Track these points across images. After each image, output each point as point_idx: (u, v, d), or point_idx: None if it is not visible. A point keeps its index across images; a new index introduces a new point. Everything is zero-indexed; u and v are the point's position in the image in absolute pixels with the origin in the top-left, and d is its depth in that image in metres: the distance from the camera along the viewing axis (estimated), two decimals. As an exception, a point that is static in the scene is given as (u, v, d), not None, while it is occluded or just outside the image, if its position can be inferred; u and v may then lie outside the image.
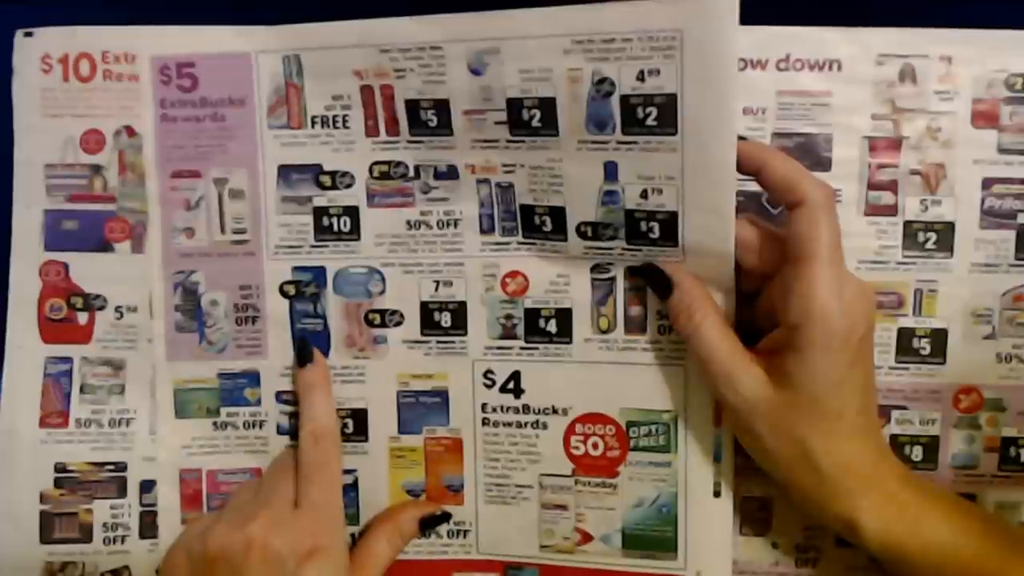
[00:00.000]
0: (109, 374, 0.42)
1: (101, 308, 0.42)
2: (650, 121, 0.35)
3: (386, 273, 0.41)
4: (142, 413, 0.42)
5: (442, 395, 0.42)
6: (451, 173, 0.40)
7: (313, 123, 0.40)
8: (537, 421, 0.41)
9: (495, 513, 0.42)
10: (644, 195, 0.37)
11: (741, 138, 0.36)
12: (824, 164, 0.39)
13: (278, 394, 0.42)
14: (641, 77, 0.35)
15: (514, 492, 0.42)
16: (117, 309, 0.42)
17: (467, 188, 0.40)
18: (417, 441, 0.42)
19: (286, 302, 0.42)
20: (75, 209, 0.42)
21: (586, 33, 0.35)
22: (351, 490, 0.42)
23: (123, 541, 0.43)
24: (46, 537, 0.42)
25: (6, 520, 0.42)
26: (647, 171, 0.36)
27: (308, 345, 0.41)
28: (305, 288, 0.42)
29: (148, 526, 0.42)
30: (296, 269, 0.42)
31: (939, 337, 0.40)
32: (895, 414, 0.40)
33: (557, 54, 0.36)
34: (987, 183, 0.39)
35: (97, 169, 0.42)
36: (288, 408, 0.42)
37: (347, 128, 0.40)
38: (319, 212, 0.41)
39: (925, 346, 0.40)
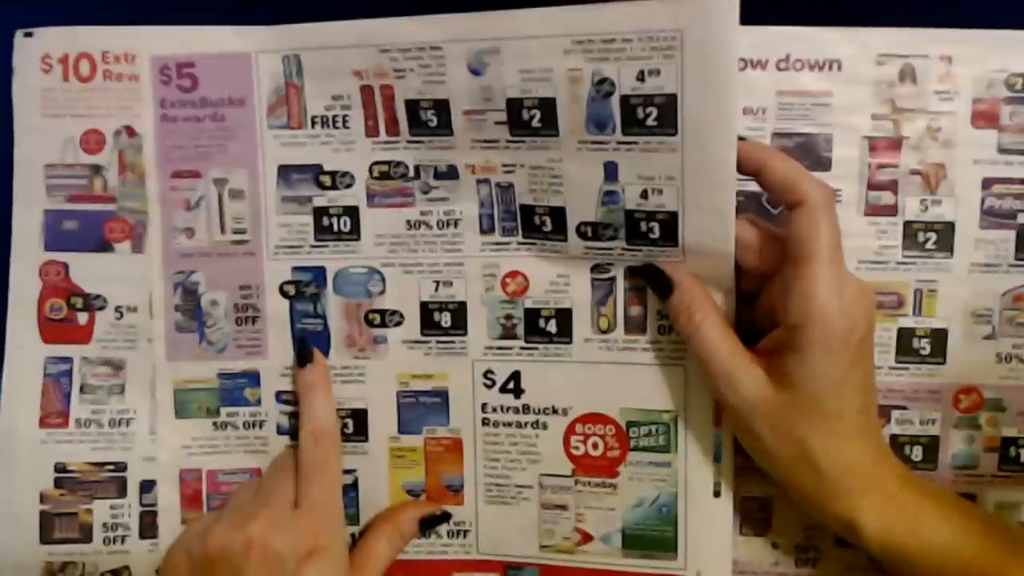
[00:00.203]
0: (109, 374, 0.42)
1: (101, 308, 0.42)
2: (650, 121, 0.35)
3: (386, 273, 0.41)
4: (142, 413, 0.42)
5: (442, 395, 0.42)
6: (451, 173, 0.40)
7: (313, 123, 0.40)
8: (537, 421, 0.41)
9: (495, 513, 0.42)
10: (644, 195, 0.37)
11: (741, 138, 0.36)
12: (824, 164, 0.39)
13: (278, 394, 0.42)
14: (641, 77, 0.35)
15: (514, 492, 0.42)
16: (117, 309, 0.42)
17: (467, 188, 0.40)
18: (417, 441, 0.42)
19: (286, 302, 0.42)
20: (75, 209, 0.42)
21: (586, 33, 0.35)
22: (351, 490, 0.42)
23: (123, 541, 0.42)
24: (46, 537, 0.42)
25: (6, 520, 0.42)
26: (647, 171, 0.36)
27: (308, 345, 0.41)
28: (305, 288, 0.42)
29: (148, 526, 0.42)
30: (296, 269, 0.42)
31: (939, 337, 0.40)
32: (895, 414, 0.40)
33: (557, 54, 0.36)
34: (987, 183, 0.39)
35: (97, 169, 0.42)
36: (288, 408, 0.42)
37: (347, 128, 0.40)
38: (319, 212, 0.41)
39: (925, 346, 0.40)
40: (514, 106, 0.37)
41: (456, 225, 0.41)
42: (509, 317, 0.41)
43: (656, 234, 0.37)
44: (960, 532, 0.35)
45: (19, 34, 0.41)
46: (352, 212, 0.41)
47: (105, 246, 0.42)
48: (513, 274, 0.41)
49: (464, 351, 0.41)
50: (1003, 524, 0.40)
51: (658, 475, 0.40)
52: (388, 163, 0.40)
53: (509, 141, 0.38)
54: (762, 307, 0.38)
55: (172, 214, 0.41)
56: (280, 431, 0.42)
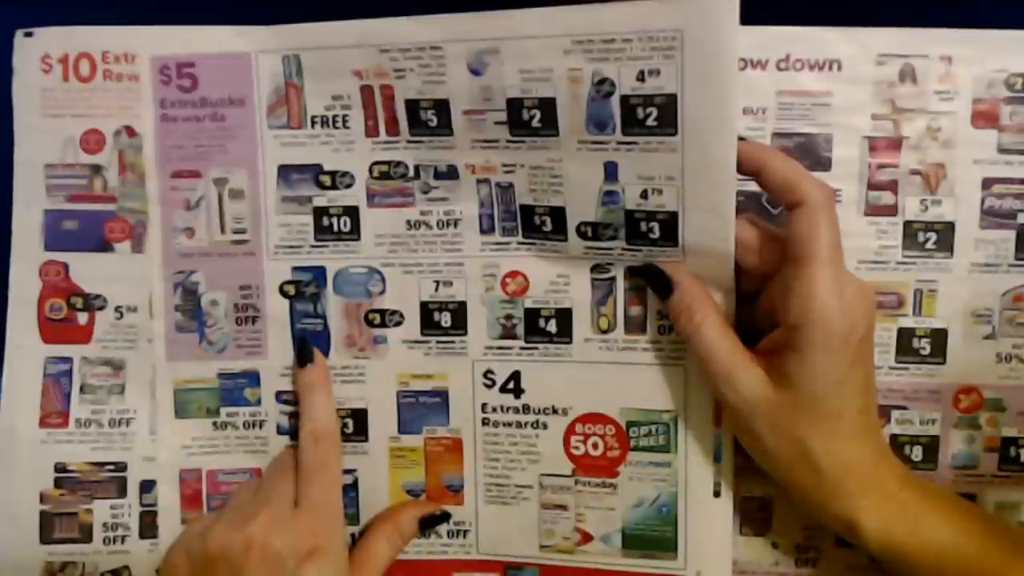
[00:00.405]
0: (109, 374, 0.42)
1: (101, 308, 0.42)
2: (650, 121, 0.35)
3: (386, 273, 0.41)
4: (142, 413, 0.42)
5: (442, 395, 0.42)
6: (451, 173, 0.40)
7: (313, 123, 0.40)
8: (537, 421, 0.41)
9: (495, 513, 0.42)
10: (644, 195, 0.37)
11: (741, 138, 0.36)
12: (824, 164, 0.39)
13: (278, 394, 0.42)
14: (641, 77, 0.35)
15: (514, 492, 0.42)
16: (117, 309, 0.42)
17: (467, 188, 0.40)
18: (417, 441, 0.42)
19: (286, 302, 0.42)
20: (75, 209, 0.42)
21: (586, 33, 0.35)
22: (351, 490, 0.42)
23: (123, 541, 0.42)
24: (46, 537, 0.42)
25: (6, 520, 0.42)
26: (647, 171, 0.36)
27: (308, 345, 0.41)
28: (305, 288, 0.42)
29: (148, 526, 0.42)
30: (296, 269, 0.42)
31: (939, 337, 0.40)
32: (895, 414, 0.40)
33: (557, 54, 0.36)
34: (987, 183, 0.39)
35: (97, 169, 0.42)
36: (288, 408, 0.42)
37: (347, 128, 0.40)
38: (319, 212, 0.41)
39: (925, 346, 0.40)
40: (514, 106, 0.37)
41: (456, 225, 0.41)
42: (509, 317, 0.41)
43: (656, 234, 0.37)
44: (960, 532, 0.35)
45: (19, 34, 0.41)
46: (352, 212, 0.41)
47: (105, 246, 0.42)
48: (513, 274, 0.41)
49: (464, 351, 0.41)
50: (1003, 524, 0.40)
51: (658, 475, 0.40)
52: (388, 163, 0.40)
53: (509, 141, 0.38)
54: (762, 307, 0.38)
55: (172, 214, 0.41)
56: (280, 431, 0.42)
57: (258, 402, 0.42)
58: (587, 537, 0.41)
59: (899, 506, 0.35)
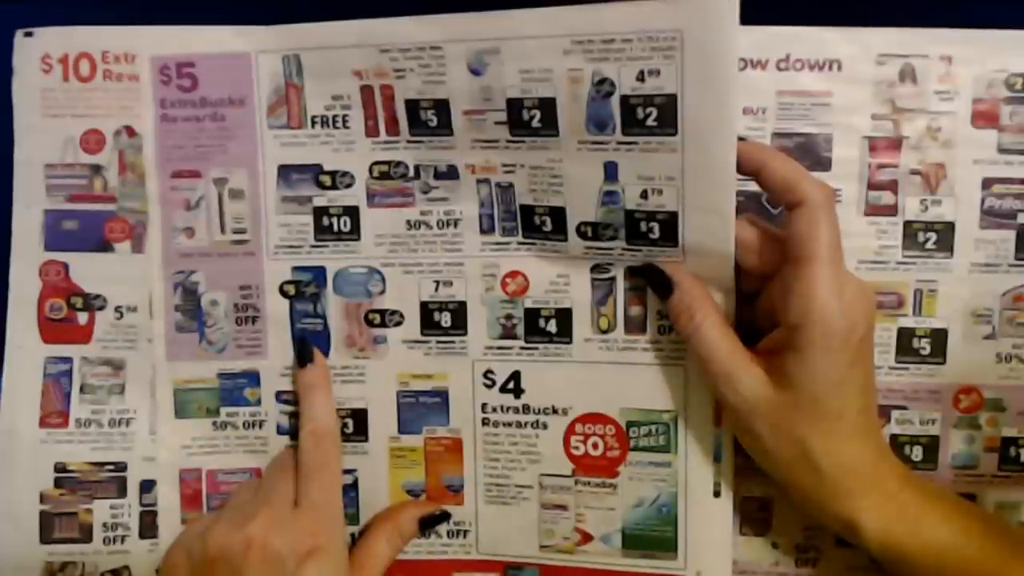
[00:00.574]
0: (109, 374, 0.42)
1: (101, 308, 0.42)
2: (650, 121, 0.35)
3: (386, 273, 0.41)
4: (142, 413, 0.42)
5: (442, 395, 0.42)
6: (451, 173, 0.40)
7: (313, 123, 0.40)
8: (537, 421, 0.41)
9: (495, 513, 0.42)
10: (644, 195, 0.37)
11: (741, 138, 0.36)
12: (824, 164, 0.39)
13: (278, 394, 0.42)
14: (641, 77, 0.35)
15: (514, 492, 0.42)
16: (117, 309, 0.42)
17: (467, 188, 0.40)
18: (417, 441, 0.42)
19: (286, 302, 0.42)
20: (75, 209, 0.42)
21: (586, 33, 0.35)
22: (351, 490, 0.42)
23: (123, 541, 0.43)
24: (46, 537, 0.42)
25: (6, 520, 0.42)
26: (647, 171, 0.36)
27: (308, 345, 0.41)
28: (305, 288, 0.42)
29: (148, 526, 0.42)
30: (296, 269, 0.42)
31: (939, 337, 0.40)
32: (895, 414, 0.40)
33: (557, 54, 0.36)
34: (987, 183, 0.39)
35: (97, 169, 0.42)
36: (288, 408, 0.42)
37: (347, 128, 0.40)
38: (319, 212, 0.41)
39: (925, 346, 0.40)
40: (514, 106, 0.37)
41: (456, 225, 0.41)
42: (509, 317, 0.41)
43: (656, 234, 0.37)
44: (960, 532, 0.35)
45: (19, 34, 0.41)
46: (352, 212, 0.41)
47: (105, 246, 0.42)
48: (513, 274, 0.41)
49: (464, 351, 0.41)
50: (1003, 524, 0.40)
51: (658, 475, 0.40)
52: (388, 163, 0.40)
53: (509, 141, 0.38)
54: (762, 307, 0.38)
55: (172, 214, 0.41)
56: (280, 431, 0.42)
57: (258, 402, 0.42)
58: (587, 537, 0.41)
59: (899, 506, 0.35)
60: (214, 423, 0.42)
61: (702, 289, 0.37)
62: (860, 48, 0.39)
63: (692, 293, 0.37)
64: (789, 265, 0.34)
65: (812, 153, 0.39)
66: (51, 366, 0.42)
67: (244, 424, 0.42)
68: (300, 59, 0.39)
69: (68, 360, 0.42)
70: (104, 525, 0.42)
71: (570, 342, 0.41)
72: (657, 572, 0.41)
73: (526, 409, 0.41)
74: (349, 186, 0.41)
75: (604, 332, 0.40)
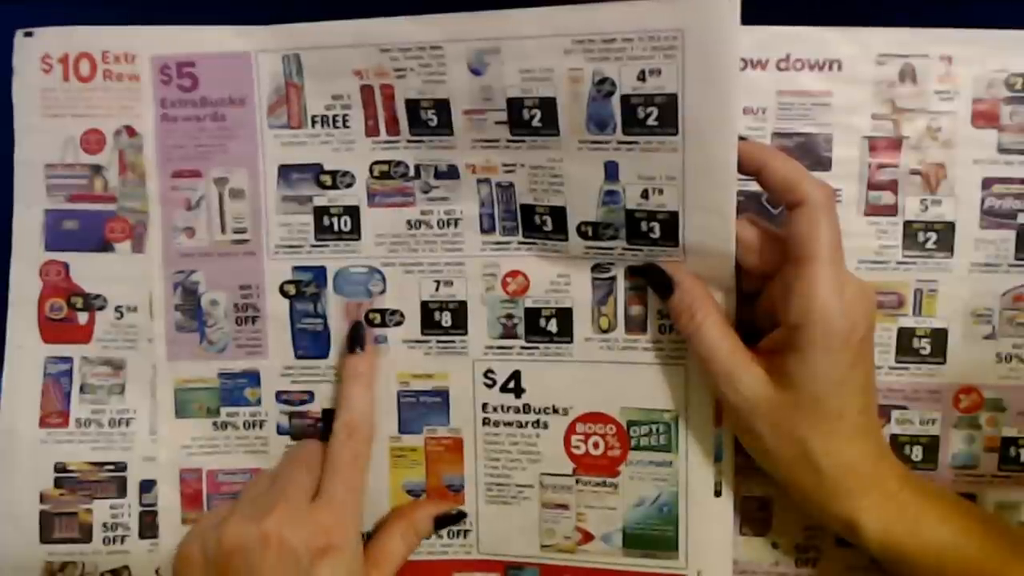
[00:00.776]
0: (109, 374, 0.42)
1: (101, 308, 0.42)
2: (651, 121, 0.35)
3: (386, 273, 0.41)
4: (142, 413, 0.42)
5: (442, 395, 0.42)
6: (451, 173, 0.40)
7: (313, 123, 0.40)
8: (538, 421, 0.41)
9: (496, 513, 0.42)
10: (645, 195, 0.37)
11: (741, 138, 0.36)
12: (824, 164, 0.39)
13: (278, 394, 0.42)
14: (642, 77, 0.35)
15: (515, 492, 0.42)
16: (117, 309, 0.42)
17: (467, 188, 0.40)
18: (417, 441, 0.42)
19: (286, 302, 0.42)
20: (75, 209, 0.42)
21: (586, 33, 0.35)
22: (351, 490, 0.42)
23: (123, 541, 0.43)
24: (46, 537, 0.42)
25: (6, 520, 0.42)
26: (648, 171, 0.36)
27: (363, 331, 0.41)
28: (305, 288, 0.42)
29: (148, 526, 0.42)
30: (296, 269, 0.41)
31: (939, 337, 0.40)
32: (895, 414, 0.40)
33: (557, 54, 0.36)
34: (987, 183, 0.39)
35: (97, 169, 0.42)
36: (288, 408, 0.42)
37: (347, 128, 0.40)
38: (319, 212, 0.41)
39: (925, 346, 0.40)
40: (514, 106, 0.37)
41: (456, 225, 0.41)
42: (509, 317, 0.41)
43: (657, 234, 0.37)
44: (960, 532, 0.35)
45: (19, 34, 0.41)
46: (352, 212, 0.41)
47: (105, 246, 0.42)
48: (513, 273, 0.41)
49: (464, 351, 0.41)
50: (1003, 524, 0.40)
51: (659, 474, 0.40)
52: (388, 163, 0.40)
53: (509, 141, 0.38)
54: (762, 307, 0.38)
55: (172, 214, 0.41)
56: (280, 431, 0.42)
57: (258, 402, 0.42)
58: (588, 537, 0.41)
59: (899, 506, 0.35)
60: (214, 423, 0.42)
61: (703, 289, 0.37)
62: (860, 48, 0.39)
63: (693, 293, 0.37)
64: (790, 265, 0.34)
65: (812, 153, 0.39)
66: (51, 366, 0.42)
67: (244, 424, 0.42)
68: (300, 59, 0.39)
69: (68, 360, 0.42)
70: (104, 525, 0.42)
71: (571, 342, 0.41)
72: (658, 571, 0.41)
73: (527, 409, 0.41)
74: (349, 186, 0.41)
75: (605, 332, 0.40)
